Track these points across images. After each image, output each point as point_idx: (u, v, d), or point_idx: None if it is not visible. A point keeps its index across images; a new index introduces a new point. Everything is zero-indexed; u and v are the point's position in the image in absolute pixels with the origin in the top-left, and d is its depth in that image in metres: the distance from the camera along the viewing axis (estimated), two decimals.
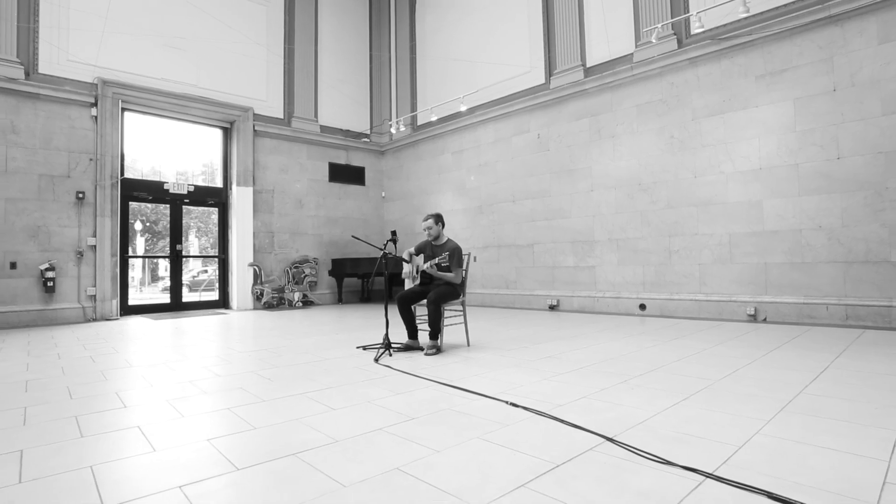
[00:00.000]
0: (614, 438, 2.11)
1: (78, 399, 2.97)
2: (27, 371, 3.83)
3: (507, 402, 2.69)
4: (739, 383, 3.02)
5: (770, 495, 1.56)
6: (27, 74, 7.14)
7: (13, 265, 6.96)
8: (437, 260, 4.31)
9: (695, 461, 1.85)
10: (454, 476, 1.78)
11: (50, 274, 7.18)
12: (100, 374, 3.71)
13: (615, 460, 1.89)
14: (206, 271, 16.11)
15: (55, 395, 3.05)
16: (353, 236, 4.70)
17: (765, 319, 5.87)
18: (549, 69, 8.20)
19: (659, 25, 6.58)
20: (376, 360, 4.00)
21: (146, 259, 17.85)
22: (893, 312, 5.06)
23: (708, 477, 1.71)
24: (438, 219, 4.60)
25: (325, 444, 2.13)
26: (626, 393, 2.86)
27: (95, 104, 7.68)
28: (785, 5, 5.80)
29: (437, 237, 4.64)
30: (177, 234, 9.10)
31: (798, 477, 1.71)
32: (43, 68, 7.27)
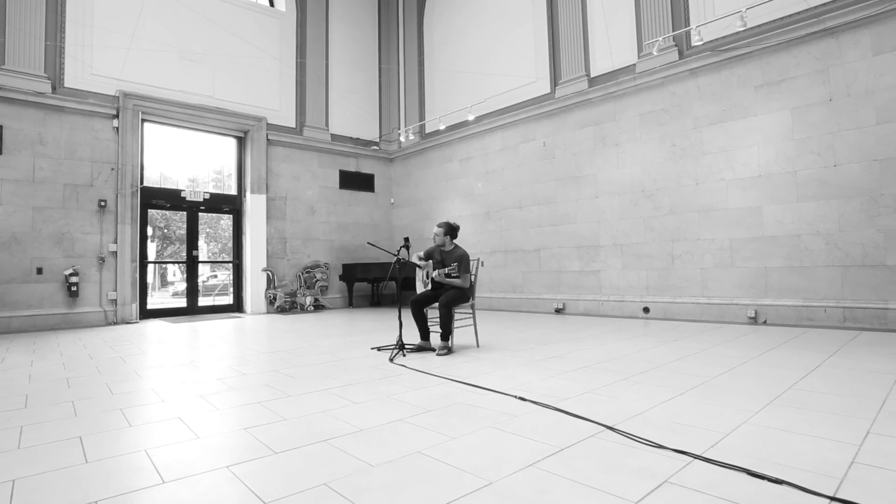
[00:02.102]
0: (614, 427, 2.32)
1: (118, 394, 3.21)
2: (65, 370, 4.08)
3: (515, 397, 2.91)
4: (734, 379, 3.22)
5: (749, 472, 1.77)
6: (54, 88, 7.47)
7: (39, 270, 7.26)
8: (447, 270, 4.53)
9: (685, 445, 2.06)
10: (470, 458, 2.00)
11: (74, 279, 7.48)
12: (132, 372, 3.96)
13: (614, 445, 2.10)
14: (215, 276, 16.42)
15: (97, 391, 3.30)
16: (368, 243, 4.93)
17: (765, 322, 6.04)
18: (555, 79, 8.44)
19: (660, 38, 6.80)
20: (391, 359, 4.22)
21: (156, 264, 18.22)
22: (889, 314, 5.23)
23: (696, 458, 1.92)
24: (449, 230, 4.80)
25: (351, 433, 2.36)
26: (626, 389, 3.07)
27: (117, 116, 8.00)
28: (782, 18, 6.01)
29: (443, 245, 4.85)
30: (193, 240, 9.39)
31: (777, 458, 1.91)
32: (68, 82, 7.60)
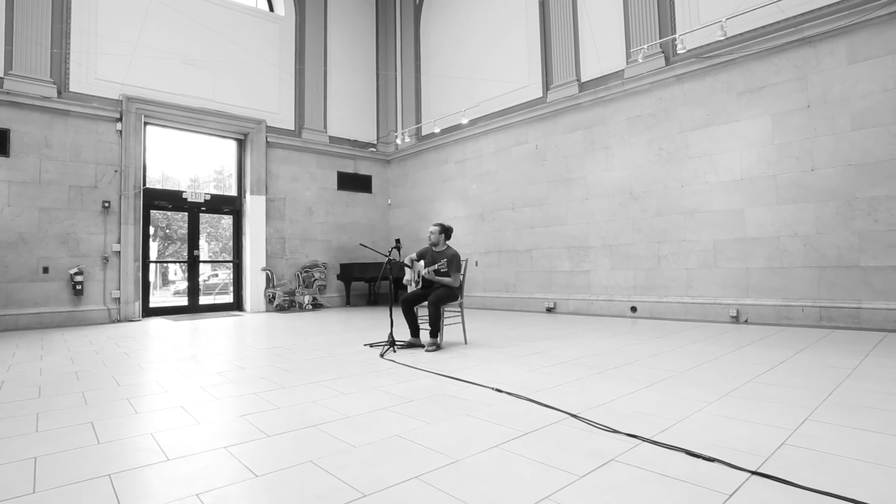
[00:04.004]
0: (577, 415, 2.54)
1: (124, 386, 3.44)
2: (73, 364, 4.31)
3: (493, 389, 3.13)
4: (701, 373, 3.44)
5: (688, 452, 1.99)
6: (59, 93, 7.71)
7: (46, 270, 7.49)
8: (436, 266, 4.77)
9: (638, 430, 2.28)
10: (443, 440, 2.23)
11: (79, 278, 7.71)
12: (137, 366, 4.18)
13: (574, 430, 2.32)
14: (216, 275, 16.67)
15: (104, 383, 3.53)
16: (361, 244, 5.17)
17: (746, 321, 6.26)
18: (546, 84, 8.65)
19: (645, 46, 7.02)
20: (382, 355, 4.45)
21: (158, 264, 18.45)
22: (862, 314, 5.44)
23: (644, 441, 2.14)
24: (444, 230, 5.07)
25: (338, 419, 2.58)
26: (598, 382, 3.29)
27: (120, 119, 8.23)
28: (762, 27, 6.22)
29: (436, 244, 5.09)
30: (194, 240, 9.63)
31: (718, 441, 2.13)
32: (73, 87, 7.84)
